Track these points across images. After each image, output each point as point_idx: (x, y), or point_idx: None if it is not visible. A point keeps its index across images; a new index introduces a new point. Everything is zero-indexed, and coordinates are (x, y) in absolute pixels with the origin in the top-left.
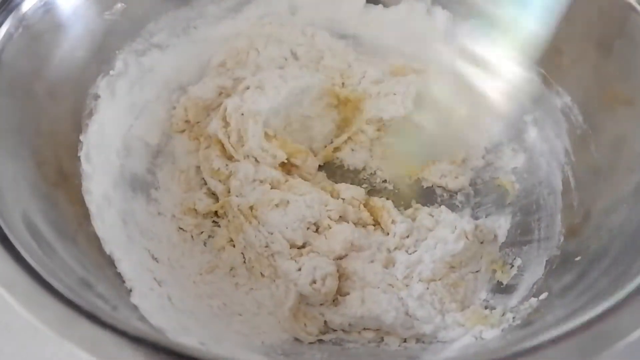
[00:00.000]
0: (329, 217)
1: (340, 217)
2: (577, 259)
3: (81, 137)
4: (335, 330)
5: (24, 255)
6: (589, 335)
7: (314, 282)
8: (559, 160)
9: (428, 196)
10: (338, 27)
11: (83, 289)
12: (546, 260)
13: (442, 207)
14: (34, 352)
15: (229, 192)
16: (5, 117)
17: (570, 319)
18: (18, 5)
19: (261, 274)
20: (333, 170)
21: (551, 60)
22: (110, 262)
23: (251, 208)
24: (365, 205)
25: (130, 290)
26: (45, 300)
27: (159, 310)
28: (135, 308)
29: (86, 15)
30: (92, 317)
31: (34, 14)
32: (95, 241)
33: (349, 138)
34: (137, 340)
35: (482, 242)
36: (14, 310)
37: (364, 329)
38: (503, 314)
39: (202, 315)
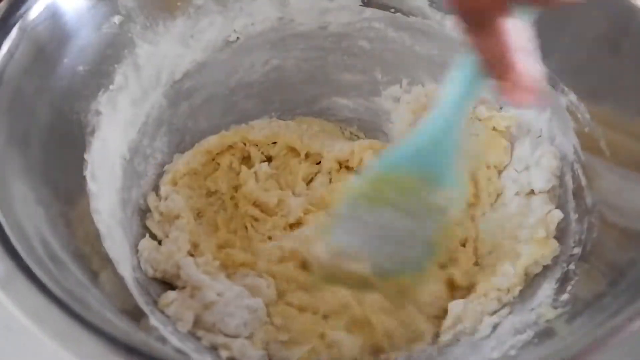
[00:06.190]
0: None
1: None
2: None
3: (85, 156)
4: None
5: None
6: None
7: None
8: (567, 159)
9: None
10: None
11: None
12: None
13: None
14: (33, 353)
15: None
16: (10, 136)
17: None
18: (19, 21)
19: None
20: None
21: (555, 59)
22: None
23: None
24: None
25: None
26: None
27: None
28: (155, 329)
29: (85, 30)
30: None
31: (36, 29)
32: (109, 262)
33: None
34: None
35: None
36: (14, 311)
37: None
38: None
39: None
